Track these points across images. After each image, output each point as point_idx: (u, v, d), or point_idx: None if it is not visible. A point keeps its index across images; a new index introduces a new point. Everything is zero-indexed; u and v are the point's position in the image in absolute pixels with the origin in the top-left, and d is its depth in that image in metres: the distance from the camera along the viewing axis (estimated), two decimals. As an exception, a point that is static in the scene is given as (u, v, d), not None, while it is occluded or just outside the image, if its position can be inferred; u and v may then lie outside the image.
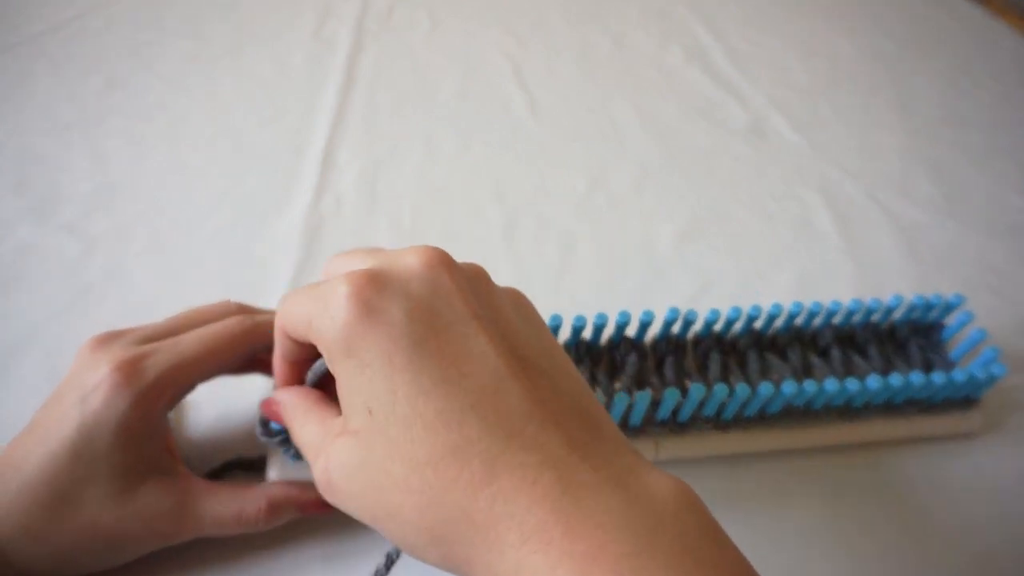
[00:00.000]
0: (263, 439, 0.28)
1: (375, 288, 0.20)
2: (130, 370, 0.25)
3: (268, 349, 0.28)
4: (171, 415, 0.34)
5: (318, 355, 0.24)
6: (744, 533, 0.21)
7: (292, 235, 0.45)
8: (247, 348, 0.28)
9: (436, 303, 0.21)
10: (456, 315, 0.21)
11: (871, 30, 0.75)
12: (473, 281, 0.22)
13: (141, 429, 0.25)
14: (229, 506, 0.27)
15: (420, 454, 0.19)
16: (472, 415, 0.19)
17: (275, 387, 0.27)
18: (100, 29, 0.63)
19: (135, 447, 0.25)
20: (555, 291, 0.44)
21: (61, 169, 0.48)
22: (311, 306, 0.22)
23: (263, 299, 0.34)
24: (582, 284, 0.44)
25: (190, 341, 0.27)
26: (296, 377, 0.26)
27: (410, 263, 0.21)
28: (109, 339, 0.27)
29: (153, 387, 0.26)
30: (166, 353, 0.26)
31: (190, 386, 0.27)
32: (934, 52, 0.72)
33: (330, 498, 0.22)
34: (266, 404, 0.27)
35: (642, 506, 0.19)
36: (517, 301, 0.24)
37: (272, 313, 0.30)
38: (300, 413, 0.24)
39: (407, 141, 0.54)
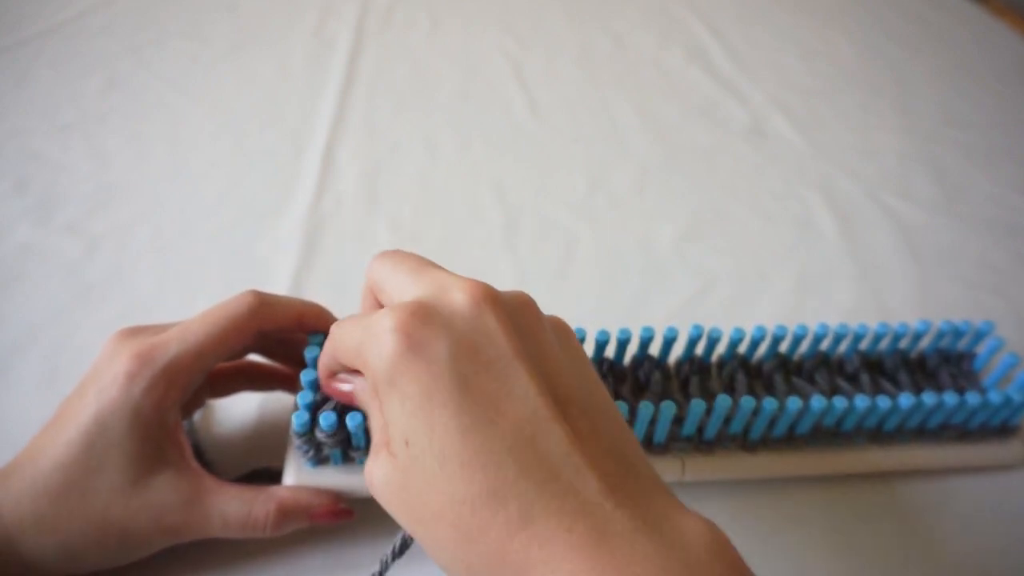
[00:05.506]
0: (298, 424, 0.27)
1: (420, 322, 0.20)
2: (143, 359, 0.26)
3: (278, 330, 0.29)
4: (197, 418, 0.34)
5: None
6: (770, 560, 0.21)
7: (293, 235, 0.45)
8: (254, 327, 0.28)
9: (480, 340, 0.21)
10: (499, 353, 0.21)
11: (871, 30, 0.75)
12: (517, 315, 0.22)
13: (155, 418, 0.26)
14: (238, 507, 0.27)
15: (457, 491, 0.19)
16: (510, 458, 0.19)
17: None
18: (100, 29, 0.62)
19: (148, 437, 0.26)
20: (555, 291, 0.44)
21: (61, 169, 0.48)
22: (361, 335, 0.22)
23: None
24: (583, 284, 0.44)
25: (197, 324, 0.27)
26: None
27: (456, 298, 0.21)
28: (134, 332, 0.28)
29: (165, 374, 0.26)
30: (176, 339, 0.27)
31: (202, 370, 0.27)
32: (934, 52, 0.72)
33: (376, 499, 0.22)
34: (329, 385, 0.26)
35: (675, 554, 0.19)
36: (561, 333, 0.24)
37: (287, 299, 0.30)
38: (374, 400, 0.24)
39: (407, 141, 0.54)
